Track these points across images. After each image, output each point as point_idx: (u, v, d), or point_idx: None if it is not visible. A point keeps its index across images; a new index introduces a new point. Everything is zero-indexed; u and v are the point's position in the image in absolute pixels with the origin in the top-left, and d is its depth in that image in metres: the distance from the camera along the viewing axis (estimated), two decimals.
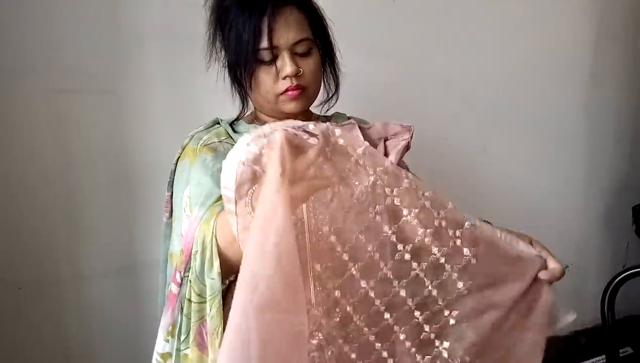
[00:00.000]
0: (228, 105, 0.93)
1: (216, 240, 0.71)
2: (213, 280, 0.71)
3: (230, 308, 0.56)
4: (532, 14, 1.73)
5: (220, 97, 0.94)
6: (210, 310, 0.72)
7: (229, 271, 0.73)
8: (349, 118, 0.97)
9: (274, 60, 0.82)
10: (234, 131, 0.92)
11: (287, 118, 0.79)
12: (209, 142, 0.88)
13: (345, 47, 0.96)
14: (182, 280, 0.76)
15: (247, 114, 0.94)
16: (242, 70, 0.84)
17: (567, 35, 1.82)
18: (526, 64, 1.76)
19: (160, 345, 0.79)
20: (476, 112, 1.72)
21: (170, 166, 0.93)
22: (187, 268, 0.75)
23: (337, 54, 0.94)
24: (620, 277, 1.43)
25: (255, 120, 0.95)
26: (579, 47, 1.85)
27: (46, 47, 1.22)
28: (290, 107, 0.86)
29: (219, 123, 0.95)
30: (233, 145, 0.76)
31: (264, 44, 0.81)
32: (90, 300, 1.36)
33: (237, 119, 0.94)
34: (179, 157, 0.91)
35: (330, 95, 0.95)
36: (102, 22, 1.26)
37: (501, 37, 1.70)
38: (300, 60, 0.84)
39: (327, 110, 0.97)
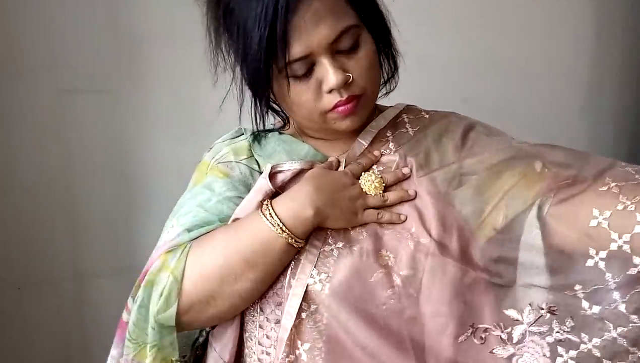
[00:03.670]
0: (229, 104, 0.93)
1: (180, 283, 0.59)
2: (156, 329, 0.59)
3: None
4: (531, 14, 1.73)
5: (220, 97, 0.94)
6: (147, 360, 0.61)
7: (195, 320, 0.61)
8: (419, 109, 0.77)
9: (308, 72, 0.61)
10: (259, 144, 0.72)
11: (342, 135, 0.68)
12: (224, 160, 0.71)
13: None
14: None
15: (286, 124, 0.75)
16: (261, 90, 0.64)
17: (566, 36, 1.82)
18: (525, 64, 1.76)
19: None
20: (476, 112, 1.71)
21: (171, 166, 0.93)
22: (136, 294, 0.62)
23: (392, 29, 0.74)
24: None
25: (298, 132, 0.74)
26: (578, 47, 1.85)
27: (47, 47, 1.22)
28: (345, 125, 0.65)
29: (243, 133, 0.75)
30: (251, 168, 0.69)
31: (290, 54, 0.58)
32: (90, 300, 1.36)
33: (273, 130, 0.74)
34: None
35: (387, 79, 0.75)
36: (103, 23, 1.26)
37: (501, 37, 1.70)
38: (348, 60, 0.61)
39: (387, 94, 0.77)
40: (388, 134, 0.71)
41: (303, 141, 0.72)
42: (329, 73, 0.60)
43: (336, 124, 0.65)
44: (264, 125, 0.69)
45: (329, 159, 0.69)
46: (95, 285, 1.35)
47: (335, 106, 0.62)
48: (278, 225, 0.59)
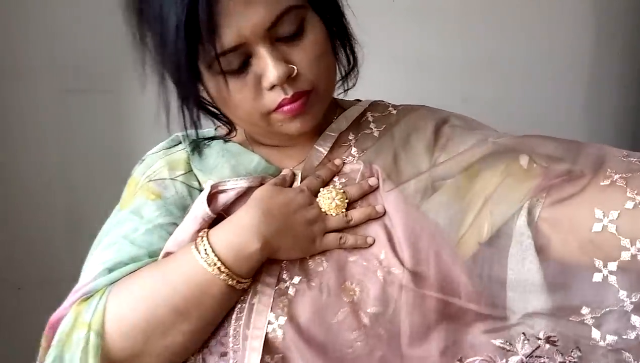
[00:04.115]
0: None
1: (101, 338, 0.47)
2: None
3: None
4: (531, 13, 1.73)
5: None
6: None
7: None
8: (385, 105, 0.67)
9: (244, 65, 0.50)
10: (200, 156, 0.61)
11: (297, 140, 0.58)
12: (156, 177, 0.59)
13: None
14: None
15: (233, 130, 0.63)
16: (189, 93, 0.54)
17: (566, 35, 1.82)
18: (525, 64, 1.76)
19: None
20: (476, 112, 1.71)
21: None
22: (44, 358, 0.50)
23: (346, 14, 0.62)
24: None
25: (246, 139, 0.63)
26: (578, 47, 1.85)
27: (47, 47, 1.22)
28: (295, 127, 0.54)
29: (181, 141, 0.63)
30: (190, 186, 0.58)
31: (221, 43, 0.47)
32: None
33: (217, 137, 0.63)
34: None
35: (346, 73, 0.63)
36: (103, 23, 1.26)
37: (501, 37, 1.70)
38: (291, 49, 0.51)
39: (345, 92, 0.66)
40: (350, 137, 0.60)
41: (252, 151, 0.61)
42: (268, 66, 0.49)
43: (283, 127, 0.54)
44: (196, 134, 0.58)
45: (282, 172, 0.58)
46: None
47: (280, 106, 0.51)
48: (215, 264, 0.48)
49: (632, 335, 0.43)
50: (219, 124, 0.62)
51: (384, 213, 0.54)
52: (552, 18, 1.77)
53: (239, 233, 0.49)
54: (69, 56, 1.24)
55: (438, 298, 0.49)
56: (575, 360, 0.45)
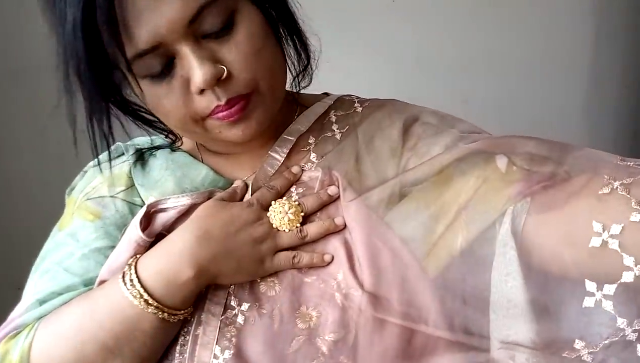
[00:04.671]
0: None
1: None
2: None
3: None
4: (531, 14, 1.73)
5: None
6: None
7: None
8: (352, 101, 0.58)
9: (168, 67, 0.43)
10: (143, 168, 0.54)
11: (249, 146, 0.51)
12: (95, 194, 0.53)
13: (345, 47, 0.96)
14: None
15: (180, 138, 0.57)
16: (98, 101, 0.47)
17: (565, 35, 1.82)
18: (526, 64, 1.76)
19: None
20: (476, 112, 1.72)
21: None
22: None
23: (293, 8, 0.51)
24: None
25: (200, 149, 0.56)
26: (578, 47, 1.85)
27: (47, 47, 1.22)
28: (235, 135, 0.46)
29: (123, 152, 0.57)
30: (131, 203, 0.52)
31: (134, 43, 0.41)
32: None
33: (165, 146, 0.57)
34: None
35: (299, 72, 0.53)
36: None
37: (501, 37, 1.70)
38: (219, 46, 0.43)
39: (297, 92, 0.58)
40: (310, 141, 0.53)
41: (201, 160, 0.54)
42: (192, 68, 0.42)
43: (222, 134, 0.47)
44: (108, 148, 0.49)
45: (234, 184, 0.52)
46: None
47: (214, 112, 0.45)
48: (141, 296, 0.42)
49: None
50: (155, 133, 0.55)
51: (344, 226, 0.48)
52: (552, 18, 1.77)
53: (170, 260, 0.44)
54: None
55: (401, 325, 0.43)
56: None
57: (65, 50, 0.44)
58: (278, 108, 0.51)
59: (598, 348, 0.37)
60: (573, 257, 0.38)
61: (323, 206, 0.49)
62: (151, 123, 0.52)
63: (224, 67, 0.43)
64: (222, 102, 0.43)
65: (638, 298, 0.36)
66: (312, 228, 0.48)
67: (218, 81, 0.43)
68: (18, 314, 0.48)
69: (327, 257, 0.47)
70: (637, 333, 0.35)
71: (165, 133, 0.54)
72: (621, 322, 0.36)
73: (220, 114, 0.44)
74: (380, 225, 0.46)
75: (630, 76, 1.96)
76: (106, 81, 0.44)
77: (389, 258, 0.45)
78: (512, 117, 1.77)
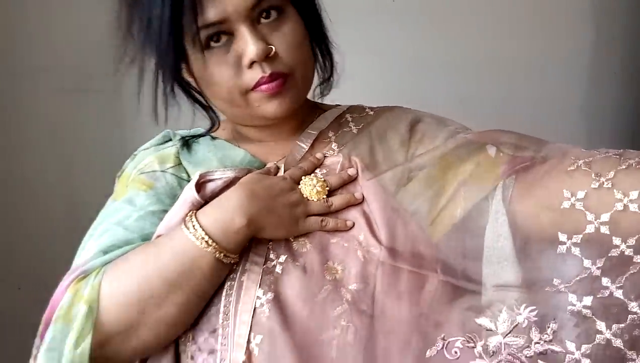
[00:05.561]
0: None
1: (97, 310, 0.49)
2: None
3: None
4: (530, 14, 1.73)
5: None
6: None
7: (115, 355, 0.51)
8: (363, 107, 0.72)
9: (226, 43, 0.55)
10: (189, 151, 0.65)
11: (275, 126, 0.62)
12: (147, 170, 0.62)
13: (345, 47, 0.97)
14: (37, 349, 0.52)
15: (218, 126, 0.67)
16: (174, 69, 0.57)
17: (565, 36, 1.82)
18: (525, 64, 1.76)
19: None
20: (474, 112, 1.72)
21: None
22: (44, 333, 0.51)
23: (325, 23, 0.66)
24: None
25: (232, 136, 0.67)
26: (578, 47, 1.85)
27: (47, 47, 1.22)
28: (272, 109, 0.57)
29: (171, 138, 0.68)
30: (179, 178, 0.61)
31: (204, 18, 0.52)
32: None
33: (204, 134, 0.67)
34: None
35: (322, 80, 0.67)
36: (103, 23, 1.26)
37: (500, 37, 1.70)
38: (270, 32, 0.55)
39: (322, 95, 0.71)
40: (330, 135, 0.65)
41: (238, 146, 0.65)
42: (248, 43, 0.53)
43: (260, 108, 0.57)
44: (165, 110, 0.61)
45: (267, 166, 0.62)
46: None
47: (258, 84, 0.55)
48: (203, 238, 0.51)
49: (606, 293, 0.46)
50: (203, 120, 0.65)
51: (363, 200, 0.58)
52: (551, 18, 1.77)
53: (226, 211, 0.52)
54: (68, 56, 1.24)
55: (415, 272, 0.53)
56: (550, 337, 0.47)
57: (148, 27, 0.54)
58: (305, 97, 0.63)
59: (572, 283, 0.48)
60: (549, 217, 0.50)
61: (344, 184, 0.60)
62: (198, 102, 0.62)
63: (272, 47, 0.54)
64: (267, 74, 0.54)
65: (598, 245, 0.47)
66: (337, 200, 0.58)
67: (266, 58, 0.54)
68: (82, 263, 0.54)
69: (349, 223, 0.57)
70: (600, 270, 0.46)
71: (207, 110, 0.64)
72: (587, 263, 0.47)
73: (263, 86, 0.55)
74: (393, 201, 0.57)
75: (630, 76, 1.96)
76: (176, 49, 0.54)
77: (401, 223, 0.56)
78: (510, 117, 1.77)
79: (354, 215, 0.58)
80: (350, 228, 0.57)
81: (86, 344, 0.49)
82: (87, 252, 0.55)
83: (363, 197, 0.58)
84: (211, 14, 0.52)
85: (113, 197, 0.64)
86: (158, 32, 0.53)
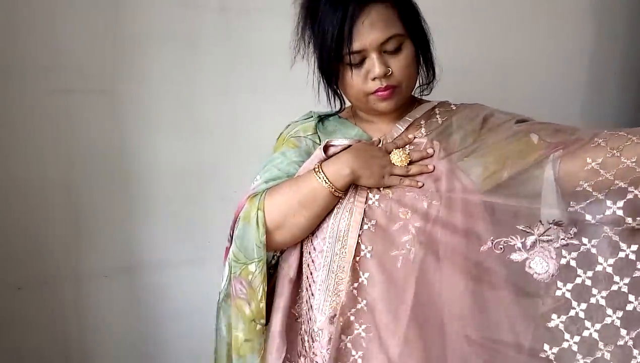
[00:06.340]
0: (229, 105, 0.92)
1: (263, 214, 0.83)
2: (258, 248, 0.84)
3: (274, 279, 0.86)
4: (531, 14, 1.73)
5: (220, 97, 0.94)
6: (255, 270, 0.85)
7: (272, 242, 0.85)
8: (448, 103, 0.96)
9: (360, 62, 0.83)
10: (323, 125, 0.96)
11: (383, 115, 0.91)
12: (295, 135, 0.95)
13: None
14: (231, 237, 0.88)
15: (344, 109, 0.95)
16: (329, 72, 0.86)
17: (565, 36, 1.82)
18: (525, 64, 1.76)
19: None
20: None
21: (170, 165, 0.94)
22: (234, 227, 0.86)
23: (432, 45, 0.93)
24: None
25: (352, 117, 0.97)
26: (578, 47, 1.85)
27: (46, 47, 1.22)
28: (382, 106, 0.86)
29: (312, 116, 0.99)
30: (314, 142, 0.94)
31: (351, 47, 0.81)
32: (90, 300, 1.36)
33: (334, 114, 0.96)
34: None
35: (422, 85, 0.94)
36: (103, 23, 1.26)
37: (499, 37, 1.70)
38: (391, 59, 0.83)
39: (421, 93, 0.96)
40: (422, 122, 0.91)
41: (355, 124, 0.95)
42: (375, 65, 0.81)
43: (375, 105, 0.86)
44: (330, 99, 0.92)
45: (373, 139, 0.91)
46: (95, 285, 1.35)
47: (376, 91, 0.84)
48: (324, 179, 0.82)
49: (609, 212, 0.72)
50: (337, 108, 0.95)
51: (434, 170, 0.83)
52: (552, 18, 1.77)
53: (339, 164, 0.83)
54: (68, 56, 1.24)
55: (465, 228, 0.79)
56: (571, 236, 0.75)
57: (322, 47, 0.83)
58: (406, 100, 0.91)
59: (584, 204, 0.74)
60: (580, 175, 0.75)
61: (423, 158, 0.85)
62: (337, 94, 0.92)
63: (390, 69, 0.83)
64: (383, 86, 0.83)
65: (603, 184, 0.73)
66: (414, 168, 0.85)
67: (384, 76, 0.82)
68: (253, 188, 0.88)
69: (420, 184, 0.83)
70: (604, 196, 0.73)
71: (341, 99, 0.93)
72: (595, 193, 0.73)
73: (379, 93, 0.84)
74: (457, 171, 0.82)
75: (630, 76, 1.96)
76: (333, 63, 0.84)
77: (459, 188, 0.81)
78: None
79: (425, 180, 0.83)
80: (420, 187, 0.83)
81: (262, 233, 0.83)
82: (257, 182, 0.89)
83: (434, 168, 0.83)
84: (357, 45, 0.81)
85: (274, 150, 0.96)
86: (324, 50, 0.83)
